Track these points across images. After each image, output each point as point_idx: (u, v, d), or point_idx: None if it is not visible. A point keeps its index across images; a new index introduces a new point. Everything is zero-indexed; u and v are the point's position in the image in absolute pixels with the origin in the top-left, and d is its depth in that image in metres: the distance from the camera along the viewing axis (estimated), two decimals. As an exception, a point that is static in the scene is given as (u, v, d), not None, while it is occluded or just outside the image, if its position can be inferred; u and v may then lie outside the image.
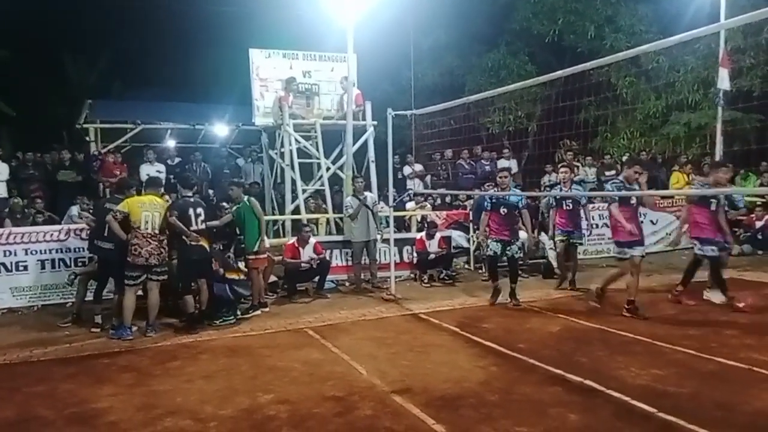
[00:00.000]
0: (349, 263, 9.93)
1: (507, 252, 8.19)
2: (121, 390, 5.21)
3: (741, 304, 7.37)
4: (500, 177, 8.42)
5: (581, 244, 9.57)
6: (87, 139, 13.96)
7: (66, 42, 21.79)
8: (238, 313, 7.70)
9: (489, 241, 8.40)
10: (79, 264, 8.58)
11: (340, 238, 10.31)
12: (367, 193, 9.75)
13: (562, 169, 9.34)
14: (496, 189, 8.57)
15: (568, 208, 9.08)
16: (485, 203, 8.43)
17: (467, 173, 13.66)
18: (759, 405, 4.49)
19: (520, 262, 8.83)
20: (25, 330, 7.47)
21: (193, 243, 7.14)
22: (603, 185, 13.42)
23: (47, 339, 6.95)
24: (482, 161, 14.02)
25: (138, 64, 22.47)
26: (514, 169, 14.54)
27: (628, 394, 4.72)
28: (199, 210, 7.28)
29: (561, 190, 9.32)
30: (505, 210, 8.19)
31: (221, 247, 8.15)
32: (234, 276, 7.73)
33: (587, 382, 5.05)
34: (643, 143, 16.13)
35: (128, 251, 6.86)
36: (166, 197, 8.21)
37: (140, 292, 7.22)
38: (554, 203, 9.20)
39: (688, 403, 4.56)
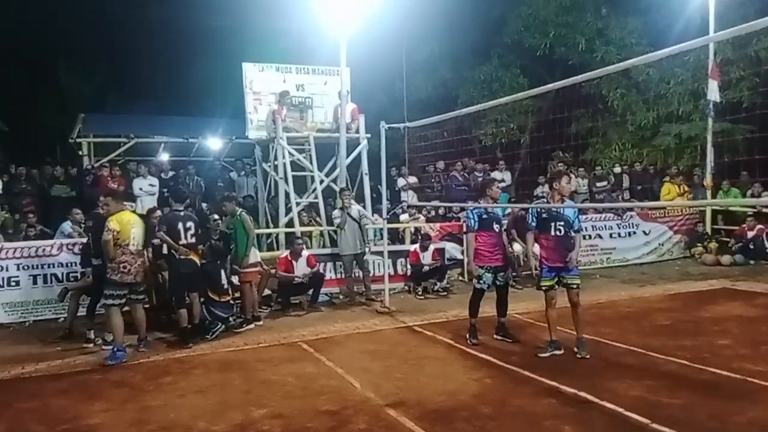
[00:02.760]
0: (343, 276, 9.92)
1: (498, 280, 6.81)
2: (114, 406, 5.18)
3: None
4: (497, 187, 7.18)
5: (577, 285, 6.34)
6: (80, 153, 13.95)
7: (60, 55, 21.79)
8: (231, 320, 7.68)
9: (478, 270, 6.80)
10: (72, 279, 8.55)
11: (333, 250, 10.28)
12: (354, 206, 9.74)
13: (564, 180, 6.39)
14: (483, 201, 7.08)
15: (558, 233, 6.28)
16: (471, 222, 6.81)
17: (460, 185, 13.71)
18: (752, 415, 4.49)
19: (513, 277, 8.26)
20: (16, 345, 7.41)
21: (182, 257, 7.12)
22: (594, 197, 13.53)
23: (39, 354, 6.90)
24: (475, 173, 14.07)
25: (132, 77, 22.50)
26: (508, 181, 14.64)
27: (622, 406, 4.73)
28: (189, 224, 7.25)
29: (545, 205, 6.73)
30: (498, 227, 6.82)
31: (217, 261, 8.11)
32: (215, 297, 7.62)
33: (581, 393, 5.05)
34: (634, 154, 16.23)
35: (116, 269, 6.57)
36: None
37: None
38: (536, 224, 6.48)
39: (682, 413, 4.56)
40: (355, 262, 9.55)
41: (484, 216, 6.84)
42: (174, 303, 7.30)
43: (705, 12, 12.38)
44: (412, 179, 13.86)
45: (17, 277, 8.56)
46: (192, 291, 7.31)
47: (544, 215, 6.38)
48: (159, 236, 7.13)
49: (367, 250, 9.62)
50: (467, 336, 6.88)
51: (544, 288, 6.36)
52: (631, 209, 12.70)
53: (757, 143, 8.89)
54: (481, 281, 6.81)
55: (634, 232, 12.73)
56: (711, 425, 4.35)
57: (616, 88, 16.24)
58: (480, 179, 13.71)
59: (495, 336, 6.91)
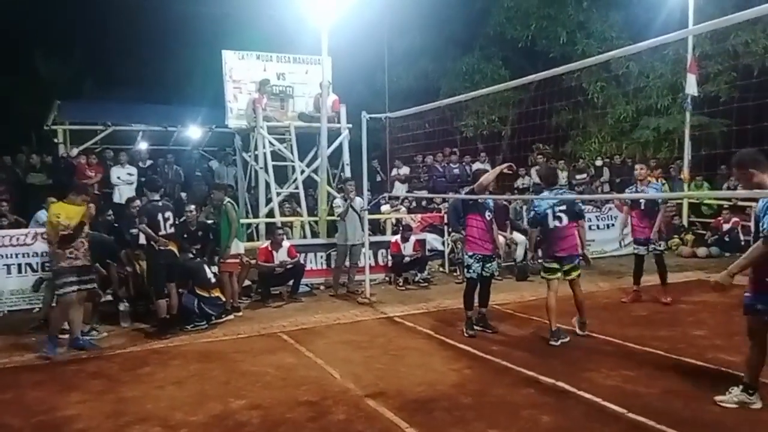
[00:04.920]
0: (324, 267, 9.90)
1: (485, 271, 6.84)
2: (90, 397, 5.12)
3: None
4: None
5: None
6: (55, 140, 13.71)
7: (37, 40, 21.34)
8: (212, 318, 7.61)
9: (468, 259, 6.83)
10: (47, 269, 8.38)
11: (314, 241, 10.27)
12: (356, 198, 9.67)
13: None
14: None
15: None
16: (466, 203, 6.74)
17: (441, 176, 13.72)
18: (724, 406, 4.55)
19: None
20: (-10, 336, 7.28)
21: (161, 248, 7.04)
22: (574, 189, 13.64)
23: (14, 345, 6.78)
24: (451, 164, 14.05)
25: (110, 64, 22.11)
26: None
27: (599, 395, 4.78)
28: (168, 214, 7.17)
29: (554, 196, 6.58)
30: (489, 215, 6.84)
31: (194, 253, 8.02)
32: (204, 293, 7.53)
33: (559, 383, 5.10)
34: (613, 147, 16.38)
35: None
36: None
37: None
38: (585, 211, 6.50)
39: (658, 403, 4.63)
40: (348, 253, 9.50)
41: (479, 200, 6.82)
42: (152, 294, 7.23)
43: (685, 7, 12.47)
44: (403, 171, 13.83)
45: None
46: (170, 281, 7.23)
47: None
48: (141, 228, 7.07)
49: (365, 241, 9.53)
50: (463, 328, 6.84)
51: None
52: (609, 201, 12.81)
53: (734, 137, 9.01)
54: (471, 270, 6.80)
55: (613, 225, 12.84)
56: (687, 414, 4.41)
57: (597, 81, 16.35)
58: (455, 171, 13.76)
59: (475, 326, 6.92)
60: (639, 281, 8.47)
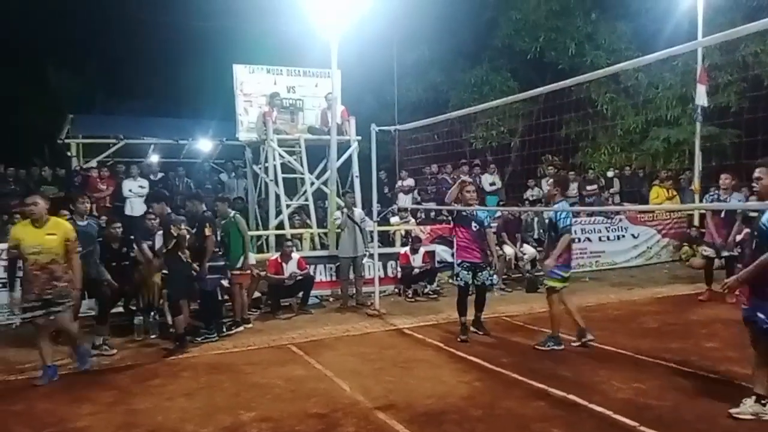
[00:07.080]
0: (334, 278, 9.90)
1: (477, 279, 7.09)
2: (101, 408, 5.14)
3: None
4: (467, 192, 7.33)
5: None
6: (69, 154, 13.86)
7: (49, 54, 21.62)
8: (223, 329, 7.63)
9: (456, 267, 7.19)
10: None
11: (324, 253, 10.28)
12: (355, 209, 9.71)
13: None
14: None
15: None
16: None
17: (450, 188, 13.69)
18: (740, 418, 4.51)
19: (503, 280, 8.23)
20: (2, 348, 7.33)
21: (186, 260, 7.07)
22: (585, 200, 13.59)
23: (26, 357, 6.81)
24: (461, 176, 14.01)
25: (122, 78, 22.34)
26: (498, 184, 14.67)
27: (610, 408, 4.75)
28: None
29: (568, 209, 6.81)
30: (477, 226, 7.12)
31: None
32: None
33: (570, 396, 5.07)
34: (623, 158, 16.33)
35: None
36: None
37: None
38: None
39: (670, 416, 4.59)
40: (352, 265, 9.50)
41: (464, 213, 7.20)
42: (169, 309, 7.26)
43: (693, 17, 12.47)
44: (408, 182, 13.84)
45: (4, 278, 8.45)
46: (187, 297, 7.22)
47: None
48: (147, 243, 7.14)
49: (366, 253, 9.52)
50: (459, 334, 7.12)
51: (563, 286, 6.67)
52: (619, 213, 12.76)
53: (744, 148, 8.99)
54: (458, 278, 7.16)
55: (623, 236, 12.80)
56: (699, 427, 4.37)
57: (606, 93, 16.32)
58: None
59: (470, 327, 7.21)
60: (711, 282, 9.02)
